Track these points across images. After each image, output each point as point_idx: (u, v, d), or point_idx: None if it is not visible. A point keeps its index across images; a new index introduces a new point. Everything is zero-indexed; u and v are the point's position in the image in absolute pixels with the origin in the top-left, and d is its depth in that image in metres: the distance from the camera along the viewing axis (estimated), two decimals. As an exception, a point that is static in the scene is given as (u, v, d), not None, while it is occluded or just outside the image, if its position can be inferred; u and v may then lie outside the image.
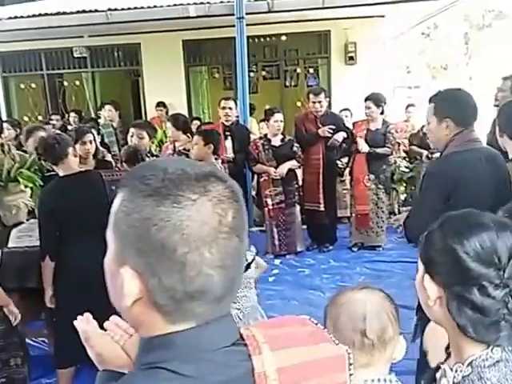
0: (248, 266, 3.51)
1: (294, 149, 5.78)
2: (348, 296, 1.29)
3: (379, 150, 5.71)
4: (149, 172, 0.74)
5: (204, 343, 0.74)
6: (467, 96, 2.62)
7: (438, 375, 1.19)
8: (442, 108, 2.59)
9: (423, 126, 6.13)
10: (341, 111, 7.17)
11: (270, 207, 5.88)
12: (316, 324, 0.86)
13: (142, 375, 0.74)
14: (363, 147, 5.69)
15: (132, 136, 4.69)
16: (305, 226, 6.27)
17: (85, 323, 1.11)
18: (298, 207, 5.95)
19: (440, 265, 1.13)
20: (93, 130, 4.77)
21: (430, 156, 5.88)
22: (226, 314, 0.78)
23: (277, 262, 5.90)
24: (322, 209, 5.94)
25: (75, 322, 1.10)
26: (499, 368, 1.07)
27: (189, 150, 4.67)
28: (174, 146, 5.07)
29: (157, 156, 4.81)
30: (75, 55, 9.07)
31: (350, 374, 0.81)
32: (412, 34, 15.83)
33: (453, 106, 2.60)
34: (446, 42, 17.14)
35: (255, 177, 6.40)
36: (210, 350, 0.74)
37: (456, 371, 1.13)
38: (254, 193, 6.67)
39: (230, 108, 5.91)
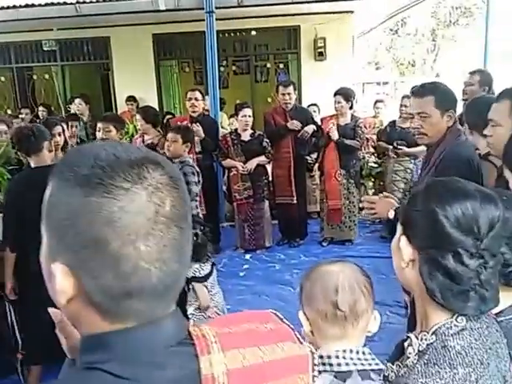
0: (213, 266, 3.53)
1: (264, 144, 5.77)
2: (321, 268, 1.30)
3: (348, 142, 5.74)
4: (78, 158, 0.68)
5: (144, 343, 0.69)
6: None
7: (405, 344, 1.19)
8: (446, 100, 2.61)
9: (392, 122, 6.24)
10: (309, 106, 7.20)
11: (239, 202, 5.87)
12: (281, 319, 0.82)
13: (77, 376, 0.70)
14: (334, 135, 5.71)
15: (99, 131, 4.62)
16: (275, 221, 6.29)
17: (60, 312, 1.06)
18: (267, 202, 5.95)
19: (419, 227, 1.13)
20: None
21: (395, 151, 5.91)
22: (170, 311, 0.73)
23: (247, 256, 5.92)
24: (295, 202, 5.97)
25: (50, 310, 0.98)
26: (463, 336, 1.08)
27: (157, 145, 4.64)
28: (143, 140, 5.03)
29: None
30: (44, 48, 8.88)
31: (314, 376, 0.77)
32: (380, 31, 15.99)
33: (453, 98, 2.66)
34: (414, 38, 17.35)
35: (226, 171, 6.39)
36: (151, 351, 0.69)
37: (421, 339, 1.13)
38: (224, 188, 6.65)
39: (195, 99, 5.86)
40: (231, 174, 5.90)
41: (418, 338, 1.14)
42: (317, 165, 6.54)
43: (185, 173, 4.17)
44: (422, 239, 1.13)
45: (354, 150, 5.90)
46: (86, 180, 0.65)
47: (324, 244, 6.14)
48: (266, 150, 5.79)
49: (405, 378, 1.10)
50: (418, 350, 1.12)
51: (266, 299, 4.77)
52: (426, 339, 1.12)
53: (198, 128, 5.64)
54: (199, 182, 4.34)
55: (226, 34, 8.74)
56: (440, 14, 16.37)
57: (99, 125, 4.65)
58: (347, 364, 1.20)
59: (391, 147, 5.90)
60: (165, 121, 6.82)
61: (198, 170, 4.32)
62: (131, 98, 8.34)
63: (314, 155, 6.58)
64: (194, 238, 3.74)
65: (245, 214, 5.89)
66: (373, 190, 6.88)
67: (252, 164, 5.72)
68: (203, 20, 6.17)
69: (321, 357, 1.20)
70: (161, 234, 0.66)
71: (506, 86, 3.61)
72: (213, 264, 3.52)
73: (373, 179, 6.86)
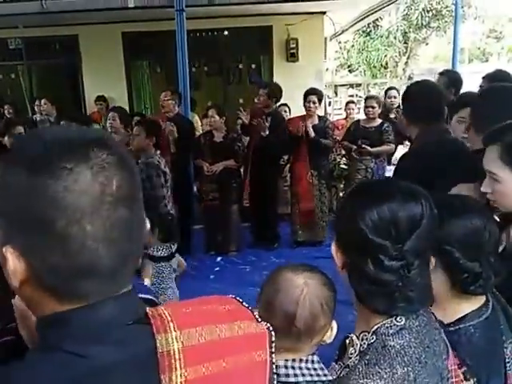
0: (172, 256, 3.48)
1: (235, 147, 5.71)
2: (286, 276, 1.23)
3: (323, 141, 5.73)
4: (25, 142, 0.70)
5: (99, 321, 0.70)
6: None
7: (347, 343, 1.19)
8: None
9: (356, 121, 6.25)
10: (279, 106, 7.15)
11: (206, 203, 5.85)
12: (242, 303, 0.82)
13: (37, 358, 0.71)
14: (311, 132, 5.68)
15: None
16: (247, 224, 6.25)
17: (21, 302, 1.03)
18: (235, 206, 5.88)
19: (344, 233, 1.14)
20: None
21: (359, 150, 5.89)
22: (125, 290, 0.73)
23: (218, 259, 5.87)
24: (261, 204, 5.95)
25: (13, 301, 1.02)
26: (402, 335, 1.07)
27: (127, 145, 4.52)
28: (113, 140, 4.93)
29: None
30: (10, 47, 8.68)
31: (272, 352, 0.77)
32: (353, 33, 16.12)
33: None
34: (386, 41, 17.54)
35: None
36: (107, 328, 0.69)
37: (362, 339, 1.13)
38: (195, 188, 6.57)
39: (167, 99, 5.81)
40: (202, 174, 5.84)
41: (359, 338, 1.14)
42: (287, 166, 6.52)
43: (148, 176, 4.07)
44: (346, 245, 1.13)
45: (325, 151, 5.88)
46: (30, 162, 0.66)
47: (295, 246, 6.12)
48: (238, 154, 5.71)
49: (346, 378, 1.08)
50: (360, 351, 1.12)
51: (236, 302, 4.70)
52: (366, 339, 1.11)
53: (172, 128, 5.57)
54: (166, 181, 4.23)
55: (198, 34, 8.66)
56: (412, 17, 16.58)
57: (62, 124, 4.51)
58: (295, 375, 1.15)
59: (355, 147, 5.89)
60: (133, 122, 6.71)
61: (164, 170, 4.20)
62: (101, 98, 8.19)
63: (286, 156, 6.53)
64: (169, 218, 3.70)
65: (211, 216, 5.83)
66: (344, 192, 6.88)
67: (218, 166, 5.64)
68: (173, 19, 6.08)
69: None
70: (107, 213, 0.67)
71: (474, 86, 3.63)
72: (171, 254, 3.48)
73: (343, 181, 6.84)
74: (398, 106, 6.76)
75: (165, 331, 0.71)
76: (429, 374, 1.05)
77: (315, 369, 1.17)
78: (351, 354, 1.14)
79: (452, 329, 1.33)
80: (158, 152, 4.41)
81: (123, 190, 0.69)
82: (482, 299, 1.39)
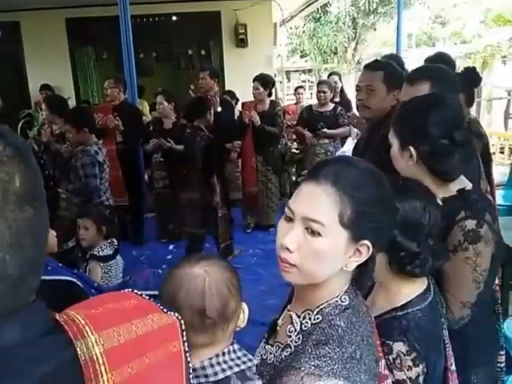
0: (117, 251, 3.43)
1: (186, 135, 5.61)
2: (183, 272, 1.14)
3: (269, 128, 5.73)
4: None
5: (4, 339, 0.61)
6: None
7: (279, 322, 1.17)
8: (394, 78, 2.65)
9: (308, 106, 6.28)
10: (224, 93, 7.09)
11: (157, 191, 5.78)
12: (141, 295, 0.79)
13: None
14: (256, 120, 5.67)
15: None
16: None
17: None
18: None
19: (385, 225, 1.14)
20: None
21: (316, 133, 5.95)
22: (30, 300, 0.66)
23: (171, 247, 5.82)
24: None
25: None
26: (347, 314, 1.08)
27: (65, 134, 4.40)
28: (52, 130, 4.80)
29: None
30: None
31: (184, 341, 0.75)
32: (303, 19, 16.17)
33: (401, 78, 2.60)
34: (336, 26, 17.66)
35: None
36: (14, 346, 0.61)
37: (304, 318, 1.11)
38: (147, 176, 6.48)
39: (109, 87, 5.68)
40: (152, 162, 5.76)
41: (299, 317, 1.13)
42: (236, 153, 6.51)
43: (83, 164, 3.97)
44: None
45: (272, 137, 5.86)
46: None
47: (248, 231, 6.16)
48: (188, 141, 5.60)
49: (294, 361, 1.06)
50: (302, 330, 1.10)
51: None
52: (310, 318, 1.10)
53: (116, 123, 5.45)
54: (102, 171, 4.13)
55: (145, 20, 8.50)
56: (360, 3, 16.75)
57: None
58: (224, 370, 1.10)
59: (308, 132, 5.93)
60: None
61: (100, 160, 4.10)
62: (45, 87, 7.92)
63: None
64: (108, 211, 3.63)
65: (162, 204, 5.76)
66: (295, 176, 6.94)
67: (168, 144, 5.48)
68: (116, 4, 5.93)
69: (194, 370, 1.08)
70: (13, 215, 0.59)
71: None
72: (116, 250, 3.41)
73: (295, 165, 6.90)
74: (341, 90, 6.93)
75: (82, 336, 0.66)
76: (369, 350, 1.07)
77: (239, 357, 1.13)
78: (290, 332, 1.12)
79: (400, 313, 1.35)
80: (100, 142, 4.30)
81: (27, 187, 0.61)
82: (424, 283, 1.42)
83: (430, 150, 1.62)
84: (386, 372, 1.20)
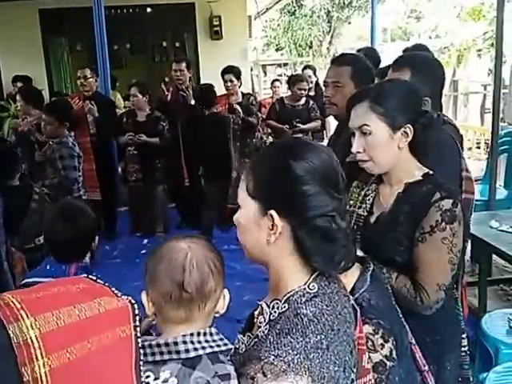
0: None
1: (160, 127, 5.60)
2: (168, 245, 1.18)
3: (248, 119, 5.76)
4: None
5: None
6: None
7: (255, 313, 1.16)
8: (363, 74, 2.60)
9: (280, 99, 6.28)
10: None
11: (129, 185, 5.76)
12: (95, 281, 0.79)
13: None
14: (239, 111, 5.69)
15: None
16: (172, 205, 6.24)
17: None
18: (160, 187, 5.81)
19: (283, 197, 1.10)
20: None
21: (292, 129, 5.97)
22: None
23: (145, 241, 5.79)
24: (187, 184, 5.91)
25: None
26: (315, 303, 1.06)
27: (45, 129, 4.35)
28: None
29: None
30: None
31: (136, 326, 0.75)
32: (278, 12, 16.17)
33: (370, 74, 2.68)
34: (310, 20, 17.68)
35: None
36: None
37: (273, 308, 1.10)
38: (120, 170, 6.44)
39: (84, 77, 5.63)
40: (126, 154, 5.73)
41: (269, 307, 1.11)
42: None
43: (61, 155, 3.93)
44: (288, 209, 1.09)
45: (249, 129, 5.89)
46: None
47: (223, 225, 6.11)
48: (162, 133, 5.59)
49: (256, 350, 1.05)
50: (270, 319, 1.09)
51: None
52: (278, 308, 1.09)
53: (91, 106, 5.41)
54: (80, 163, 4.10)
55: (119, 11, 8.42)
56: (335, -4, 16.84)
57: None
58: (196, 349, 1.10)
59: (282, 126, 5.95)
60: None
61: (78, 152, 4.07)
62: (18, 78, 7.80)
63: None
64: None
65: (136, 198, 5.76)
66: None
67: (141, 138, 5.47)
68: (91, -5, 5.87)
69: (166, 344, 1.08)
70: None
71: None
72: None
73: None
74: (317, 84, 6.99)
75: (16, 320, 0.65)
76: (341, 341, 1.04)
77: (214, 340, 1.13)
78: (260, 322, 1.11)
79: (353, 298, 1.32)
80: (73, 133, 4.26)
81: None
82: (356, 270, 1.34)
83: (424, 124, 1.67)
84: (369, 366, 1.18)
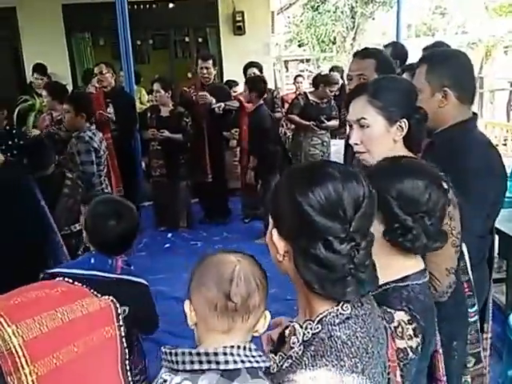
0: None
1: (183, 123, 5.56)
2: (217, 256, 1.20)
3: (274, 115, 5.71)
4: None
5: None
6: None
7: (286, 332, 1.15)
8: (386, 66, 2.65)
9: (304, 95, 6.20)
10: (227, 82, 7.05)
11: (153, 180, 5.76)
12: (72, 283, 0.76)
13: None
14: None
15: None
16: (196, 200, 6.23)
17: None
18: (183, 182, 5.80)
19: (286, 218, 1.08)
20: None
21: (318, 126, 5.93)
22: None
23: (169, 235, 5.82)
24: (210, 180, 5.87)
25: None
26: (349, 325, 1.05)
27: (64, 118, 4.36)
28: (52, 117, 4.76)
29: (12, 133, 4.37)
30: None
31: (120, 326, 0.74)
32: (301, 7, 16.08)
33: (392, 67, 2.74)
34: (334, 15, 17.56)
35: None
36: None
37: (306, 328, 1.09)
38: (144, 165, 6.45)
39: (100, 72, 5.60)
40: (150, 149, 5.73)
41: (302, 327, 1.10)
42: (235, 141, 6.48)
43: (78, 151, 3.95)
44: (290, 230, 1.08)
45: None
46: None
47: (246, 220, 6.12)
48: (185, 128, 5.56)
49: (291, 371, 1.04)
50: (303, 340, 1.08)
51: (187, 276, 4.68)
52: (311, 328, 1.08)
53: (107, 115, 5.41)
54: (99, 157, 4.10)
55: (142, 6, 8.42)
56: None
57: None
58: (235, 362, 1.09)
59: (307, 122, 5.90)
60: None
61: (97, 145, 4.06)
62: (39, 68, 7.78)
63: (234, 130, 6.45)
64: None
65: (159, 193, 5.75)
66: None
67: (165, 133, 5.45)
68: (114, -10, 5.87)
69: (206, 354, 1.08)
70: None
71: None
72: None
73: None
74: (342, 87, 7.03)
75: None
76: (375, 364, 1.04)
77: (253, 356, 1.12)
78: (293, 343, 1.10)
79: (401, 284, 1.36)
80: (93, 127, 4.26)
81: None
82: (421, 265, 1.43)
83: (419, 119, 1.74)
84: (399, 380, 1.21)
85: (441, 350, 1.49)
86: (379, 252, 1.36)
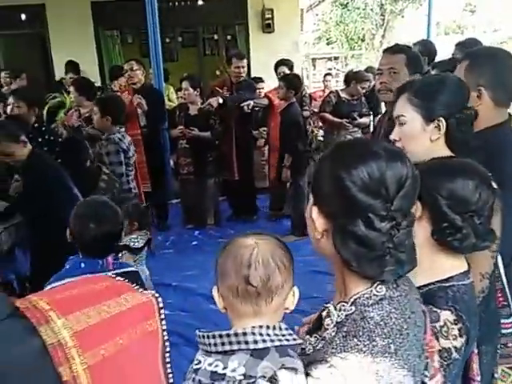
0: (146, 244, 3.44)
1: (211, 121, 5.55)
2: (236, 242, 1.19)
3: (303, 113, 5.67)
4: None
5: None
6: None
7: (323, 315, 1.15)
8: (416, 62, 2.73)
9: (335, 93, 6.13)
10: (253, 79, 6.99)
11: (181, 177, 5.77)
12: (115, 278, 0.79)
13: None
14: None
15: (8, 105, 4.23)
16: (224, 197, 6.23)
17: None
18: (211, 180, 5.78)
19: (327, 195, 1.08)
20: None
21: (350, 123, 5.86)
22: None
23: (196, 233, 5.83)
24: (237, 178, 5.86)
25: None
26: (383, 306, 1.05)
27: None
28: (80, 113, 4.78)
29: (41, 130, 4.42)
30: (-28, 16, 8.27)
31: (162, 319, 0.75)
32: (330, 5, 15.97)
33: (421, 63, 2.81)
34: (363, 13, 17.45)
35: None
36: None
37: (340, 310, 1.10)
38: (172, 163, 6.46)
39: (131, 69, 5.58)
40: (178, 147, 5.73)
41: (336, 309, 1.11)
42: (263, 140, 6.44)
43: (108, 152, 3.97)
44: (331, 208, 1.08)
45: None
46: None
47: (274, 218, 6.07)
48: (213, 127, 5.55)
49: (322, 352, 1.05)
50: (337, 322, 1.09)
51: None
52: (344, 310, 1.09)
53: (139, 100, 5.40)
54: (128, 158, 4.11)
55: (170, 4, 8.43)
56: (388, -12, 16.54)
57: (10, 99, 4.30)
58: (264, 341, 1.09)
59: (340, 120, 5.83)
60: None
61: (125, 147, 4.07)
62: (71, 65, 7.87)
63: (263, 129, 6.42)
64: (143, 206, 3.66)
65: (187, 190, 5.75)
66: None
67: (194, 131, 5.45)
68: (143, -13, 5.87)
69: (236, 334, 1.10)
70: None
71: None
72: (148, 240, 3.42)
73: (321, 153, 6.79)
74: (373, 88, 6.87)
75: (47, 322, 0.64)
76: (410, 345, 1.03)
77: (283, 335, 1.12)
78: (327, 325, 1.11)
79: (446, 284, 1.35)
80: (122, 129, 4.27)
81: None
82: (465, 265, 1.42)
83: (460, 119, 1.69)
84: (437, 366, 1.20)
85: (476, 351, 1.48)
86: (425, 251, 1.38)
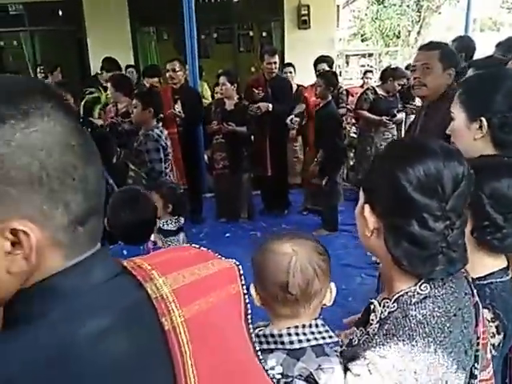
0: (181, 229, 3.47)
1: (247, 116, 5.55)
2: (274, 247, 1.19)
3: (339, 110, 5.67)
4: None
5: (94, 277, 0.69)
6: None
7: (371, 308, 1.16)
8: (449, 57, 2.78)
9: (372, 89, 6.06)
10: (284, 66, 6.96)
11: (216, 172, 5.81)
12: (200, 247, 0.86)
13: (22, 330, 0.64)
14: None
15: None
16: (257, 192, 6.24)
17: None
18: (246, 175, 5.80)
19: (381, 193, 1.07)
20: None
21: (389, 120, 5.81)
22: (96, 244, 0.72)
23: (229, 226, 5.88)
24: (269, 174, 5.87)
25: None
26: (426, 305, 1.04)
27: (132, 113, 4.45)
28: (117, 108, 4.86)
29: (86, 120, 4.47)
30: (11, 12, 8.45)
31: (242, 285, 0.80)
32: (366, 1, 15.82)
33: (456, 58, 2.85)
34: (399, 9, 17.24)
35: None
36: (98, 284, 0.69)
37: (383, 306, 1.11)
38: (206, 157, 6.52)
39: (173, 70, 5.60)
40: (213, 142, 5.77)
41: (380, 305, 1.12)
42: (299, 137, 6.43)
43: (147, 149, 4.00)
44: (384, 206, 1.07)
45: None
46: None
47: (304, 213, 6.09)
48: (249, 122, 5.55)
49: (363, 347, 1.07)
50: (380, 318, 1.10)
51: (248, 265, 4.72)
52: (387, 307, 1.09)
53: (176, 112, 5.47)
54: (167, 155, 4.16)
55: (206, 0, 8.47)
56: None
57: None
58: (300, 341, 1.12)
59: (380, 118, 5.76)
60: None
61: (164, 144, 4.12)
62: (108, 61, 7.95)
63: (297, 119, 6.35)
64: (180, 191, 3.71)
65: (222, 185, 5.80)
66: (354, 160, 6.80)
67: (230, 127, 5.47)
68: (180, -16, 5.91)
69: (272, 335, 1.14)
70: (83, 166, 0.67)
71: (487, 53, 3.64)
72: (180, 228, 3.44)
73: (354, 150, 6.74)
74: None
75: (150, 279, 0.71)
76: (453, 342, 1.02)
77: (320, 332, 1.14)
78: (372, 320, 1.12)
79: (484, 282, 1.34)
80: (160, 124, 4.31)
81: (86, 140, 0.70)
82: (505, 262, 1.40)
83: (503, 121, 1.66)
84: (489, 357, 1.19)
85: None
86: None
